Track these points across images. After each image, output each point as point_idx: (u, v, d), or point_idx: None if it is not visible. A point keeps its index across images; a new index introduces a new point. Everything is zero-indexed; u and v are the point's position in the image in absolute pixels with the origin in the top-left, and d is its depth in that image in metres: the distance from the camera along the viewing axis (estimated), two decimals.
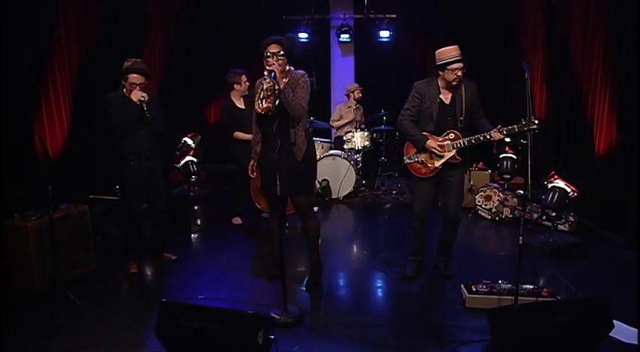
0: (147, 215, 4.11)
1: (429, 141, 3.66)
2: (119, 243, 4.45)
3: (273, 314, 3.19)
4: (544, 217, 4.77)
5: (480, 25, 7.24)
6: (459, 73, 3.50)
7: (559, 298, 3.29)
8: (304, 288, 3.74)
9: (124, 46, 5.61)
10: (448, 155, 3.65)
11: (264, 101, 3.42)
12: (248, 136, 5.01)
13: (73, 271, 3.83)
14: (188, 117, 7.72)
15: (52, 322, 3.16)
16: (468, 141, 3.59)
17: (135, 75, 3.75)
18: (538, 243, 4.42)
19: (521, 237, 3.10)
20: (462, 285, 3.55)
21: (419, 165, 3.75)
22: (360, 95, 6.83)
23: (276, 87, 3.24)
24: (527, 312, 2.75)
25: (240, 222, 5.51)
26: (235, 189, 5.66)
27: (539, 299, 3.18)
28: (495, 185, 5.48)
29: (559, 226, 4.80)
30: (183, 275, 4.04)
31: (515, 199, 5.22)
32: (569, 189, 4.48)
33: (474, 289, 3.40)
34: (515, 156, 5.65)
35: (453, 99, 3.64)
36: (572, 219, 4.80)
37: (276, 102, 3.31)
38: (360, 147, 6.35)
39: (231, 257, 4.45)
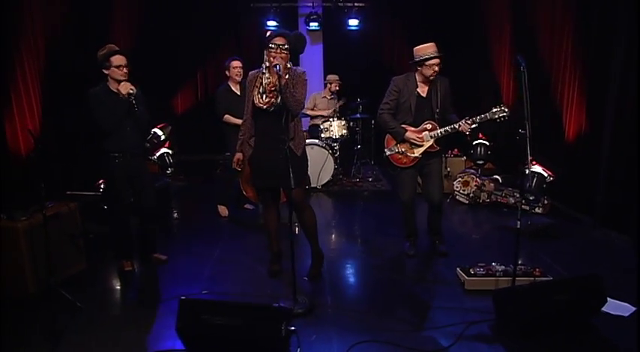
0: (135, 212, 3.97)
1: (408, 132, 3.89)
2: (105, 240, 4.31)
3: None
4: (523, 201, 5.03)
5: (447, 14, 7.45)
6: (436, 68, 3.75)
7: (550, 277, 3.52)
8: (306, 278, 3.79)
9: (90, 37, 5.44)
10: (426, 144, 3.90)
11: (264, 96, 3.42)
12: (236, 120, 4.99)
13: (64, 271, 3.67)
14: (155, 107, 7.47)
15: (55, 325, 3.03)
16: (444, 130, 3.85)
17: (119, 56, 3.58)
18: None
19: (518, 222, 3.26)
20: (457, 269, 3.72)
21: (400, 156, 3.96)
22: (338, 88, 6.87)
23: (280, 80, 3.24)
24: (532, 292, 2.94)
25: (227, 213, 5.45)
26: (228, 178, 5.57)
27: (537, 279, 3.39)
28: (472, 171, 5.71)
29: (535, 209, 5.10)
30: (179, 270, 3.97)
31: (492, 184, 5.48)
32: (546, 174, 4.76)
33: (472, 272, 3.58)
34: (487, 143, 5.91)
35: (429, 92, 3.89)
36: (545, 201, 5.11)
37: (279, 98, 3.33)
38: (337, 136, 6.41)
39: (224, 250, 4.42)
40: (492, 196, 5.46)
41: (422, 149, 3.90)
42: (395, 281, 3.81)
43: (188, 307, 2.69)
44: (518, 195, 5.12)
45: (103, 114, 3.56)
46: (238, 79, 5.11)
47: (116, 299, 3.55)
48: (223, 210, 5.44)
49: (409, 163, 3.95)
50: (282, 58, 3.33)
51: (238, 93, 5.14)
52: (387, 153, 4.01)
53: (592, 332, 3.01)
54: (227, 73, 5.13)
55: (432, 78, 3.80)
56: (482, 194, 5.52)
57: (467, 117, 3.77)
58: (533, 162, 4.78)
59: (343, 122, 6.46)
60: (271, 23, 7.76)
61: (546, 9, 5.63)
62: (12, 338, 2.97)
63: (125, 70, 3.59)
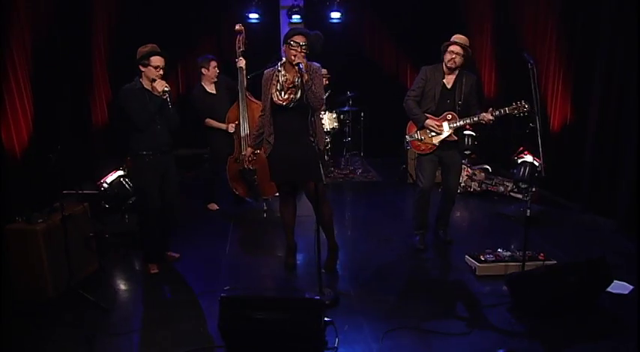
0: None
1: (428, 120, 4.04)
2: (115, 239, 4.28)
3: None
4: (515, 189, 5.32)
5: (428, 7, 7.61)
6: (454, 56, 3.91)
7: (555, 261, 3.76)
8: (323, 270, 3.86)
9: (74, 34, 5.39)
10: (445, 134, 4.04)
11: (282, 93, 3.47)
12: (218, 124, 5.02)
13: (80, 273, 3.61)
14: None
15: (84, 329, 3.00)
16: (463, 121, 4.01)
17: (159, 57, 3.59)
18: (512, 213, 4.94)
19: (528, 210, 3.47)
20: (466, 256, 3.91)
21: (418, 143, 4.14)
22: (327, 82, 6.90)
23: (303, 79, 3.30)
24: (546, 275, 3.16)
25: (217, 207, 5.48)
26: (208, 175, 5.58)
27: (546, 262, 3.62)
28: (463, 161, 5.93)
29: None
30: (194, 268, 3.97)
31: (482, 173, 5.72)
32: (537, 163, 5.01)
33: (482, 258, 3.77)
34: (474, 134, 6.12)
35: (454, 84, 4.04)
36: (533, 189, 5.38)
37: (298, 94, 3.40)
38: (329, 129, 6.49)
39: (233, 245, 4.45)
40: (483, 185, 5.71)
41: (440, 137, 4.05)
42: (408, 270, 3.96)
43: (230, 304, 2.73)
44: (511, 184, 5.40)
45: (135, 111, 3.55)
46: (216, 79, 5.13)
47: (137, 299, 3.52)
48: (212, 206, 5.48)
49: (427, 150, 4.11)
50: (302, 56, 3.38)
51: (214, 92, 5.16)
52: (408, 139, 4.19)
53: (599, 310, 3.26)
54: (204, 70, 5.08)
55: (450, 65, 3.94)
56: (472, 183, 5.76)
57: (490, 109, 3.95)
58: (525, 152, 5.04)
59: (334, 115, 6.55)
60: (253, 16, 7.71)
61: (530, 1, 5.86)
62: (45, 343, 2.93)
63: (161, 71, 3.61)
